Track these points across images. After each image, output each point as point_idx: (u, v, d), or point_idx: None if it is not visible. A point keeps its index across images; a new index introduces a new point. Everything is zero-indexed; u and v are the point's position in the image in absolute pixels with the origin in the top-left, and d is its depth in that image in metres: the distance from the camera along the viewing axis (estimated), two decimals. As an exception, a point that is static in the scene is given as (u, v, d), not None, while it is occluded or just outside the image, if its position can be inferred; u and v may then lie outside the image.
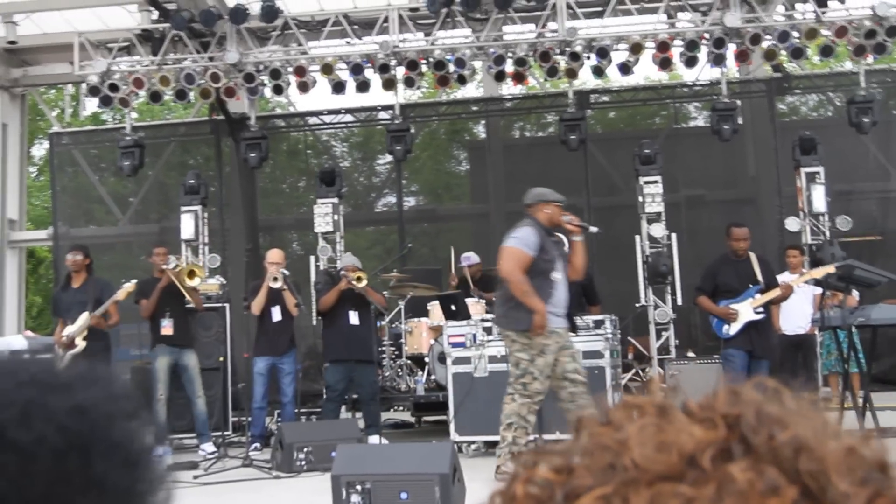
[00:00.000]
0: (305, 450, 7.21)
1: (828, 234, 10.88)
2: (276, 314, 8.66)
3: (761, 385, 0.71)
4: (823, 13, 11.25)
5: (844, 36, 11.14)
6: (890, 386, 11.12)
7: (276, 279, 8.47)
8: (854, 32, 11.13)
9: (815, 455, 0.63)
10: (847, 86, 12.42)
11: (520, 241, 6.07)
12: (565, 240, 6.51)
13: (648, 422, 0.67)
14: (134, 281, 8.40)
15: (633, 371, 10.76)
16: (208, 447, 8.52)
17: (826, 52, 11.31)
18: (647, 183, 10.80)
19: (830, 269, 7.91)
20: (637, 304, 10.60)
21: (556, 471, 0.67)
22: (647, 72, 17.52)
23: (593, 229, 6.33)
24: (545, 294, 6.01)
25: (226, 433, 8.99)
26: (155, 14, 12.21)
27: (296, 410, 8.78)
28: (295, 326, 9.07)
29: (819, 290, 8.77)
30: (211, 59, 11.80)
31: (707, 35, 11.29)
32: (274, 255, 8.75)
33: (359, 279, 8.45)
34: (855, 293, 9.78)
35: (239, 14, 11.71)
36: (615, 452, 0.65)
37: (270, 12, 11.80)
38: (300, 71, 11.67)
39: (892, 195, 12.95)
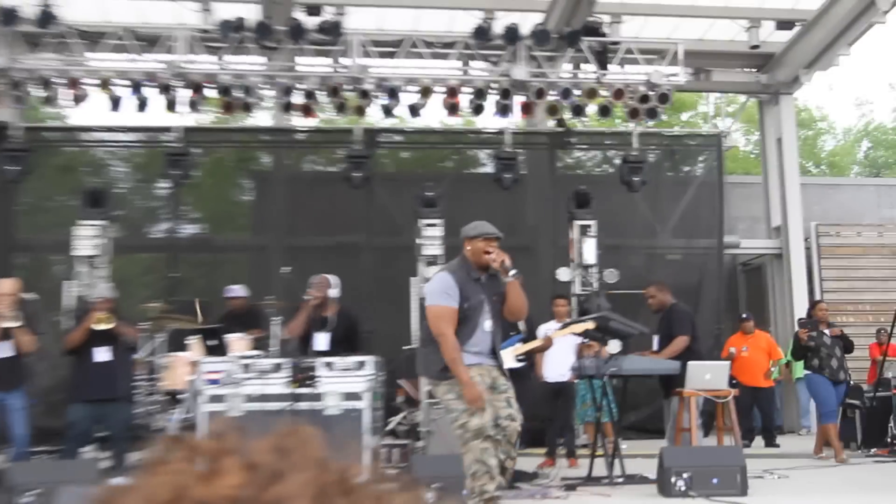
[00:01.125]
0: (33, 492, 6.66)
1: (596, 285, 11.40)
2: (6, 349, 7.95)
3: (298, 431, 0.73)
4: (604, 75, 11.90)
5: (621, 98, 11.82)
6: (646, 434, 11.71)
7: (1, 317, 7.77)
8: (630, 96, 11.82)
9: None
10: (623, 146, 13.17)
11: (436, 296, 5.49)
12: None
13: (185, 468, 0.67)
14: None
15: (403, 415, 10.75)
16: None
17: (604, 111, 11.96)
18: (427, 225, 10.94)
19: (589, 325, 8.21)
20: (406, 347, 10.64)
21: None
22: (441, 115, 17.89)
23: (513, 272, 5.54)
24: (463, 337, 5.50)
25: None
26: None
27: (29, 449, 8.13)
28: (41, 357, 8.45)
29: (581, 340, 9.11)
30: (-26, 61, 10.97)
31: (495, 85, 11.66)
32: (4, 287, 8.02)
33: (98, 321, 7.94)
34: (616, 344, 10.26)
35: (10, 16, 10.98)
36: (143, 498, 0.66)
37: (46, 17, 11.13)
38: (73, 83, 11.04)
39: (658, 251, 13.81)
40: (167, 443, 0.71)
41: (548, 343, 8.29)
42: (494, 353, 5.71)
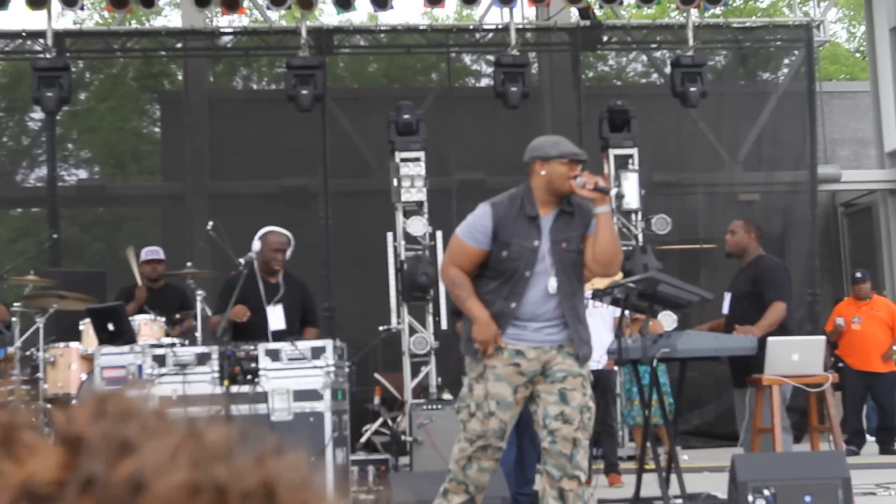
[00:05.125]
0: None
1: (640, 237, 11.54)
2: None
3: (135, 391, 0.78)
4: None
5: (670, -24, 11.89)
6: (713, 440, 11.93)
7: None
8: (681, -29, 11.89)
9: (154, 495, 0.69)
10: (675, 44, 13.23)
11: (463, 229, 5.59)
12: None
13: None
14: None
15: (381, 421, 10.93)
16: None
17: (646, -6, 12.04)
18: (405, 161, 11.03)
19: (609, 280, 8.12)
20: (383, 328, 10.79)
21: None
22: (419, 7, 17.89)
23: (614, 191, 5.65)
24: (503, 299, 5.45)
25: None
26: None
27: None
28: None
29: (618, 313, 9.22)
30: None
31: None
32: None
33: None
34: (670, 316, 10.43)
35: None
36: None
37: None
38: None
39: (726, 190, 13.89)
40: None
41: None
42: (567, 328, 5.49)
